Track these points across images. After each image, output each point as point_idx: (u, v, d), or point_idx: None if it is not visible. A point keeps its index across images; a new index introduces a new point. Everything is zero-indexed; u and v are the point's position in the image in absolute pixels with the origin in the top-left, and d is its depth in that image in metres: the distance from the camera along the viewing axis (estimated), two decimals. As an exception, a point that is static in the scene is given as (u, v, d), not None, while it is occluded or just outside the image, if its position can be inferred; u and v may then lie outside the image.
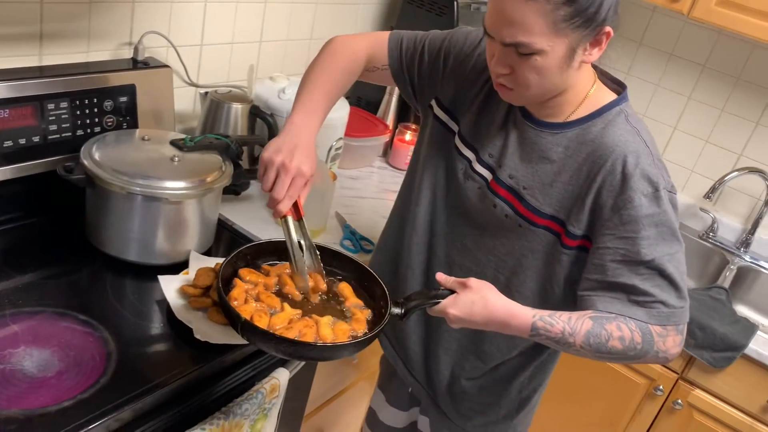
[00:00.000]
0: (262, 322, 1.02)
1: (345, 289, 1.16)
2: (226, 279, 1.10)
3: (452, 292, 1.06)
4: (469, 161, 1.19)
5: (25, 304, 1.15)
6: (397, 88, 2.03)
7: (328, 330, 1.04)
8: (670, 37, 2.22)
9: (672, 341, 1.04)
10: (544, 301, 1.14)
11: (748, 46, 2.09)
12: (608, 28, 0.97)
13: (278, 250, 1.17)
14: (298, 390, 1.49)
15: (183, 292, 1.23)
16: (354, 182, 1.92)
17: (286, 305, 1.08)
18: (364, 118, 2.06)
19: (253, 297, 1.08)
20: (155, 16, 1.56)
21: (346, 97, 1.95)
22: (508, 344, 1.22)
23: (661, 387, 1.85)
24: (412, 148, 2.06)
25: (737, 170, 2.09)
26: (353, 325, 1.07)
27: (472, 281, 1.06)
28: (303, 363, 1.32)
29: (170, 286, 1.24)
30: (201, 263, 1.31)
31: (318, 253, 1.14)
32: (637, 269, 1.02)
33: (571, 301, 1.10)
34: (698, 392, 1.82)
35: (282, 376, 1.24)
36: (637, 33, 2.27)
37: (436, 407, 1.36)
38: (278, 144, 1.06)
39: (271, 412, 1.26)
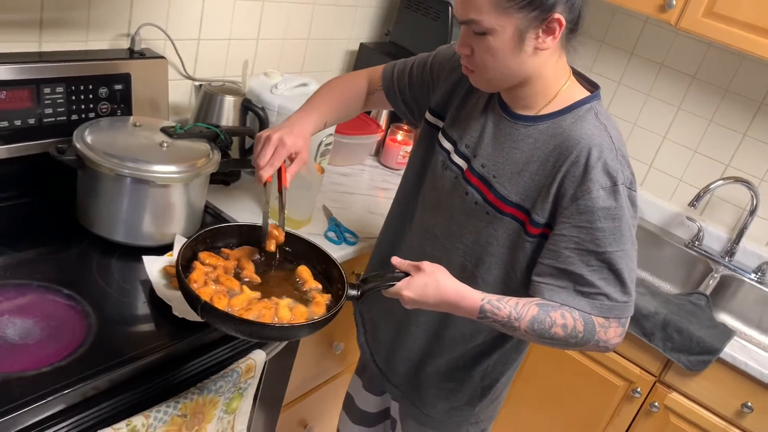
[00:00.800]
0: (221, 304, 1.06)
1: (303, 272, 1.20)
2: (186, 262, 1.14)
3: (407, 274, 1.11)
4: (448, 152, 1.24)
5: (13, 277, 1.20)
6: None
7: (286, 312, 1.09)
8: (661, 47, 2.25)
9: (613, 332, 1.09)
10: (507, 287, 1.18)
11: (737, 58, 2.12)
12: (558, 16, 1.02)
13: (237, 234, 1.23)
14: (277, 375, 1.53)
15: (165, 272, 1.28)
16: (344, 179, 1.97)
17: (245, 287, 1.12)
18: (357, 117, 2.10)
19: (213, 279, 1.13)
20: (153, 8, 1.62)
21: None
22: (471, 330, 1.26)
23: (638, 389, 1.88)
24: (403, 148, 2.11)
25: (722, 179, 2.12)
26: (313, 308, 1.12)
27: (425, 264, 1.11)
28: (281, 346, 1.36)
29: (153, 267, 1.28)
30: (185, 246, 1.36)
31: (285, 213, 1.23)
32: (588, 259, 1.07)
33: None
34: (675, 395, 1.84)
35: (258, 357, 1.28)
36: (628, 43, 2.31)
37: (402, 394, 1.40)
38: (272, 126, 1.21)
39: (246, 392, 1.30)
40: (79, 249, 1.34)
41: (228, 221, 1.55)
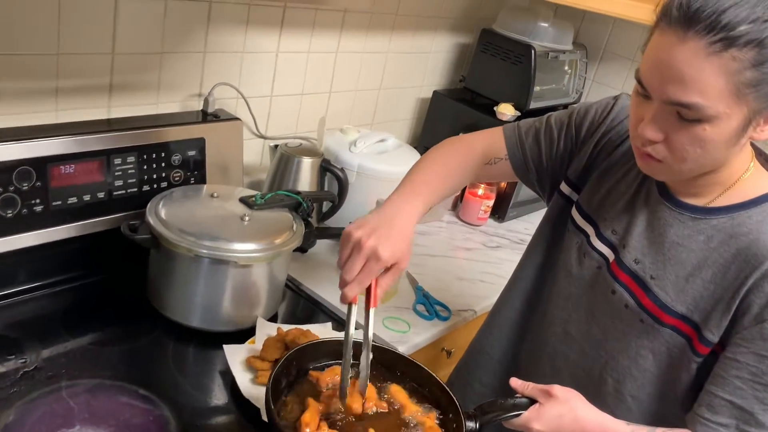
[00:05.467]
0: None
1: (398, 393, 1.00)
2: (277, 395, 0.95)
3: (532, 400, 0.93)
4: (587, 236, 1.05)
5: (82, 374, 1.06)
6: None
7: None
8: None
9: None
10: (662, 406, 0.99)
11: None
12: None
13: (325, 352, 1.04)
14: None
15: (249, 364, 1.13)
16: (423, 238, 1.81)
17: None
18: (434, 170, 1.95)
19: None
20: (226, 67, 1.51)
21: (414, 145, 1.87)
22: None
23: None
24: (484, 202, 1.95)
25: None
26: None
27: (557, 389, 0.92)
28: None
29: (236, 358, 1.14)
30: (268, 330, 1.21)
31: (371, 357, 0.95)
32: (764, 396, 0.87)
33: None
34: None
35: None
36: None
37: None
38: (364, 219, 0.96)
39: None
40: (152, 337, 1.20)
41: (311, 296, 1.41)
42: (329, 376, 1.00)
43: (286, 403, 0.96)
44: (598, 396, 1.04)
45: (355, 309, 0.95)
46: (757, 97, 0.78)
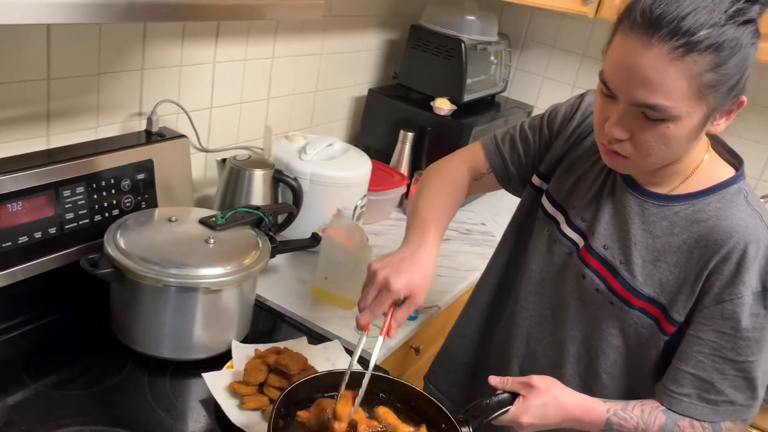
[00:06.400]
0: None
1: (387, 414, 0.99)
2: None
3: (513, 394, 0.97)
4: (557, 223, 1.10)
5: (58, 423, 1.01)
6: (410, 137, 1.97)
7: None
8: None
9: (739, 430, 0.99)
10: (632, 379, 1.06)
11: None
12: (744, 98, 0.88)
13: (313, 388, 1.01)
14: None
15: (233, 390, 1.11)
16: (378, 239, 1.82)
17: None
18: (378, 169, 1.95)
19: None
20: (165, 82, 1.45)
21: (354, 144, 1.86)
22: None
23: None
24: (430, 197, 1.97)
25: None
26: None
27: (536, 380, 0.97)
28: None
29: (218, 386, 1.11)
30: (245, 352, 1.19)
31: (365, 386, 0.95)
32: (722, 368, 0.95)
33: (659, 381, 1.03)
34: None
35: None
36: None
37: None
38: (387, 255, 1.01)
39: None
40: (125, 373, 1.15)
41: (279, 312, 1.39)
42: (317, 411, 0.99)
43: None
44: (574, 375, 1.11)
45: (365, 338, 0.98)
46: (715, 96, 0.85)
